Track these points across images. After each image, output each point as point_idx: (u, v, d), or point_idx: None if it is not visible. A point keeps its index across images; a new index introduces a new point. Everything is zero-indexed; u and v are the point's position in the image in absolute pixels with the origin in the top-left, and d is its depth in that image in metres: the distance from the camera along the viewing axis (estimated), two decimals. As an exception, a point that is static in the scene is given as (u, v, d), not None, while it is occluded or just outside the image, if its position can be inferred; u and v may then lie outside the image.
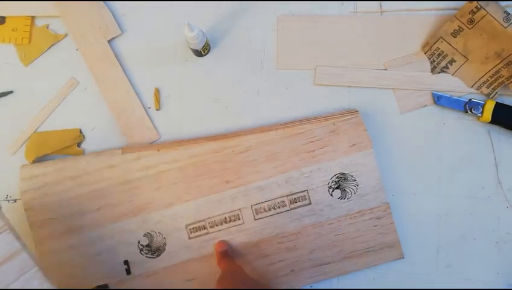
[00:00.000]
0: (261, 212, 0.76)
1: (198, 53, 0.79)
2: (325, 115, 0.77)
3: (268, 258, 0.76)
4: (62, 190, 0.76)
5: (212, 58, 0.81)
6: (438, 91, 0.78)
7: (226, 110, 0.80)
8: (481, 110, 0.76)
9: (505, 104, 0.76)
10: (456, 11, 0.76)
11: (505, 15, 0.73)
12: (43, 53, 0.82)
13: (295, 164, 0.76)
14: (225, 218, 0.76)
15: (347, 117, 0.77)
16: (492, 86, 0.76)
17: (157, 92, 0.80)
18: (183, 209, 0.76)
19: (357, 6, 0.80)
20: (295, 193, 0.76)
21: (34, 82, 0.81)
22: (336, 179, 0.76)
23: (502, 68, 0.75)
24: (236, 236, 0.76)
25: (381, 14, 0.80)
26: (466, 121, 0.78)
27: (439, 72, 0.78)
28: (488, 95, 0.77)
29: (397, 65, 0.78)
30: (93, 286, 0.75)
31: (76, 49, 0.81)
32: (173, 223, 0.76)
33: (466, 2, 0.74)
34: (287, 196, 0.76)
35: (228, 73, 0.81)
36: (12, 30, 0.81)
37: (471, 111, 0.76)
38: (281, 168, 0.76)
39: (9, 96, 0.81)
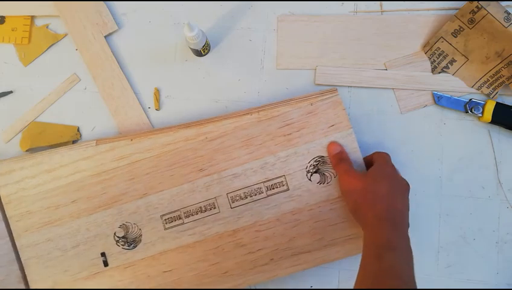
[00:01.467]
0: (237, 200, 0.75)
1: (198, 53, 0.79)
2: (302, 96, 0.75)
3: (247, 248, 0.75)
4: (39, 183, 0.76)
5: (212, 58, 0.81)
6: (438, 91, 0.78)
7: (226, 110, 0.80)
8: (481, 110, 0.76)
9: (505, 104, 0.76)
10: (456, 11, 0.76)
11: (506, 15, 0.73)
12: (42, 53, 0.82)
13: (270, 148, 0.75)
14: (200, 207, 0.75)
15: (325, 97, 0.75)
16: (493, 86, 0.76)
17: (157, 92, 0.80)
18: (157, 200, 0.76)
19: (357, 6, 0.80)
20: (271, 179, 0.75)
21: (33, 82, 0.81)
22: (314, 163, 0.75)
23: (502, 68, 0.75)
24: (213, 225, 0.75)
25: (382, 14, 0.80)
26: (466, 121, 0.79)
27: (439, 72, 0.78)
28: (488, 95, 0.77)
29: (398, 65, 0.79)
30: (71, 278, 0.77)
31: (76, 49, 0.81)
32: (148, 213, 0.76)
33: (467, 1, 0.75)
34: (263, 182, 0.75)
35: (228, 73, 0.81)
36: (12, 30, 0.82)
37: (471, 111, 0.76)
38: (256, 154, 0.75)
39: (9, 96, 0.82)
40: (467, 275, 0.77)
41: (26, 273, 0.76)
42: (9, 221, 0.77)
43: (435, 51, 0.77)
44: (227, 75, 0.81)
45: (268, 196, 0.75)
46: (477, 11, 0.74)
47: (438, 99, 0.77)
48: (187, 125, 0.76)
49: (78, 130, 0.81)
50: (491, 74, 0.76)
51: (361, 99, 0.79)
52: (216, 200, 0.75)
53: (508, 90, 0.77)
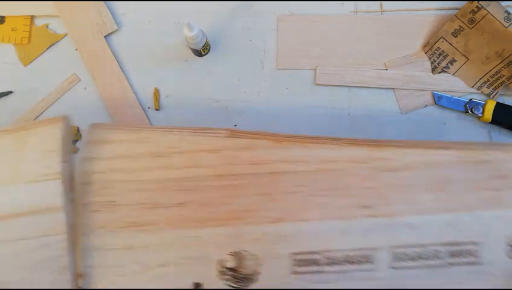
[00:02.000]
0: (403, 260, 0.54)
1: (198, 53, 0.79)
2: None
3: None
4: (138, 168, 0.56)
5: (212, 58, 0.81)
6: (438, 91, 0.78)
7: (226, 110, 0.80)
8: (482, 110, 0.76)
9: (505, 104, 0.76)
10: (456, 11, 0.76)
11: (506, 15, 0.73)
12: (42, 53, 0.82)
13: (469, 202, 0.54)
14: (350, 256, 0.54)
15: None
16: (493, 86, 0.76)
17: (156, 91, 0.81)
18: (294, 231, 0.55)
19: (357, 6, 0.80)
20: (459, 244, 0.54)
21: (33, 82, 0.82)
22: None
23: (502, 68, 0.75)
24: (362, 285, 0.54)
25: (382, 14, 0.80)
26: (467, 122, 0.79)
27: (439, 72, 0.78)
28: (488, 95, 0.77)
29: (398, 65, 0.79)
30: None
31: (76, 49, 0.81)
32: (275, 246, 0.54)
33: (467, 1, 0.75)
34: (446, 245, 0.54)
35: (228, 73, 0.81)
36: (12, 30, 0.82)
37: (471, 111, 0.76)
38: (446, 204, 0.54)
39: (8, 96, 0.82)
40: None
41: (81, 285, 0.54)
42: (81, 208, 0.55)
43: (435, 51, 0.78)
44: (227, 75, 0.81)
45: (448, 264, 0.54)
46: (478, 11, 0.74)
47: (438, 99, 0.77)
48: (355, 142, 0.57)
49: (78, 130, 0.81)
50: (491, 73, 0.76)
51: (362, 99, 0.79)
52: (375, 253, 0.54)
53: (508, 90, 0.77)
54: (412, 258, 0.54)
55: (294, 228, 0.54)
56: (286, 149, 0.56)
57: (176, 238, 0.54)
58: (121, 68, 0.81)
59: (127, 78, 0.81)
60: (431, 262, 0.54)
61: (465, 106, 0.77)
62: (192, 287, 0.54)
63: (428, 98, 0.78)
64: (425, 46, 0.78)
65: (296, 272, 0.54)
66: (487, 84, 0.77)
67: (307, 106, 0.79)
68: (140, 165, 0.56)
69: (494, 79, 0.76)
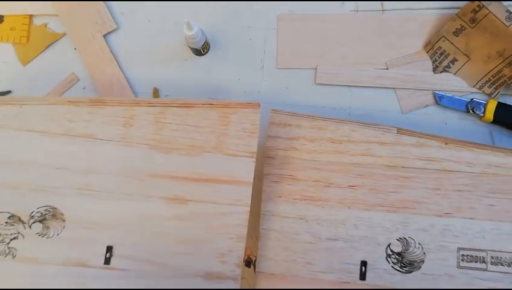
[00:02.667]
0: None
1: (198, 52, 0.79)
2: None
3: None
4: (316, 150, 0.64)
5: (212, 57, 0.81)
6: (439, 91, 0.78)
7: (226, 110, 0.80)
8: (483, 110, 0.76)
9: (506, 104, 0.76)
10: (458, 10, 0.76)
11: (507, 14, 0.73)
12: (41, 52, 0.82)
13: None
14: None
15: None
16: (495, 86, 0.76)
17: (156, 91, 0.80)
18: (462, 227, 0.60)
19: (358, 5, 0.80)
20: None
21: (32, 81, 0.81)
22: None
23: (504, 68, 0.75)
24: None
25: (383, 13, 0.80)
26: (468, 121, 0.78)
27: (441, 72, 0.78)
28: (490, 95, 0.77)
29: (399, 64, 0.78)
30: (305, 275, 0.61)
31: (75, 48, 0.81)
32: (442, 239, 0.60)
33: (468, 1, 0.75)
34: None
35: (228, 72, 0.81)
36: (11, 29, 0.82)
37: (473, 111, 0.76)
38: None
39: (7, 95, 0.81)
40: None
41: (259, 244, 0.62)
42: (264, 178, 0.64)
43: (437, 50, 0.77)
44: (227, 75, 0.81)
45: None
46: (479, 10, 0.74)
47: (440, 99, 0.77)
48: None
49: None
50: (492, 73, 0.76)
51: (363, 98, 0.79)
52: None
53: (509, 89, 0.77)
54: None
55: (462, 224, 0.60)
56: (453, 150, 0.63)
57: (346, 217, 0.62)
58: (120, 67, 0.81)
59: (126, 78, 0.80)
60: None
61: (467, 105, 0.77)
62: (359, 265, 0.61)
63: (429, 97, 0.78)
64: (426, 45, 0.78)
65: (461, 267, 0.60)
66: (488, 83, 0.77)
67: (307, 105, 0.79)
68: (317, 147, 0.64)
69: (495, 79, 0.76)
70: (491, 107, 0.75)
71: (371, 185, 0.63)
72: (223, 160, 0.61)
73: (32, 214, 0.61)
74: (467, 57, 0.77)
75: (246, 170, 0.61)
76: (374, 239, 0.61)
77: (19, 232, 0.61)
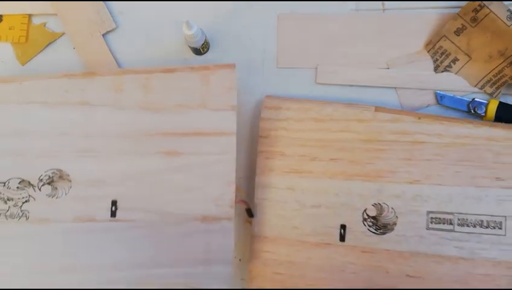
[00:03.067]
0: None
1: (198, 51, 0.79)
2: None
3: None
4: (302, 129, 0.70)
5: (212, 57, 0.81)
6: (441, 90, 0.78)
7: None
8: (484, 109, 0.76)
9: (508, 104, 0.76)
10: (459, 9, 0.76)
11: (509, 13, 0.72)
12: (40, 52, 0.82)
13: None
14: (481, 221, 0.64)
15: None
16: (496, 85, 0.76)
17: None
18: (430, 193, 0.66)
19: (358, 4, 0.80)
20: None
21: (31, 81, 0.81)
22: None
23: (505, 67, 0.75)
24: (490, 248, 0.63)
25: (384, 12, 0.80)
26: (469, 121, 0.79)
27: (442, 71, 0.78)
28: (491, 95, 0.77)
29: (400, 64, 0.78)
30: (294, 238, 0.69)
31: (74, 48, 0.81)
32: (413, 203, 0.66)
33: (469, 0, 0.75)
34: None
35: (228, 72, 0.81)
36: (9, 28, 0.81)
37: (474, 111, 0.76)
38: None
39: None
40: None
41: (254, 212, 0.70)
42: (258, 155, 0.71)
43: (438, 50, 0.77)
44: (227, 74, 0.80)
45: None
46: (480, 9, 0.74)
47: (441, 99, 0.77)
48: (492, 124, 0.68)
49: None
50: (494, 72, 0.76)
51: (363, 98, 0.79)
52: (505, 220, 0.64)
53: (511, 89, 0.77)
54: None
55: (431, 190, 0.66)
56: (425, 124, 0.68)
57: (328, 186, 0.69)
58: (119, 67, 0.81)
59: (125, 77, 0.80)
60: None
61: (468, 105, 0.77)
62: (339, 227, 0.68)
63: (430, 97, 0.78)
64: (427, 44, 0.78)
65: (429, 228, 0.65)
66: (490, 83, 0.76)
67: (307, 105, 0.79)
68: (304, 127, 0.70)
69: (497, 78, 0.76)
70: (493, 106, 0.75)
71: (350, 157, 0.69)
72: (207, 115, 0.68)
73: (41, 178, 0.66)
74: (468, 56, 0.77)
75: (229, 121, 0.68)
76: (352, 205, 0.68)
77: (30, 196, 0.66)
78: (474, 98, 0.77)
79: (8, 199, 0.66)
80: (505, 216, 0.64)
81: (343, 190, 0.68)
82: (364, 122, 0.69)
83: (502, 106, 0.75)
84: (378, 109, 0.70)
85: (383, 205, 0.67)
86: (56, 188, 0.66)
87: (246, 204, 0.72)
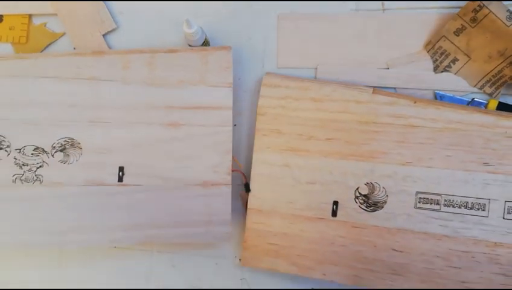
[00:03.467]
0: None
1: (198, 51, 0.79)
2: None
3: (502, 268, 0.68)
4: (300, 108, 0.74)
5: (212, 57, 0.81)
6: (440, 90, 0.78)
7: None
8: (484, 109, 0.76)
9: (507, 104, 0.76)
10: (459, 10, 0.76)
11: (508, 14, 0.73)
12: (40, 52, 0.82)
13: None
14: (467, 203, 0.69)
15: None
16: (495, 86, 0.76)
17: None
18: (420, 174, 0.70)
19: (358, 4, 0.80)
20: None
21: (31, 81, 0.81)
22: None
23: (505, 67, 0.75)
24: (473, 228, 0.68)
25: (383, 12, 0.80)
26: (469, 121, 0.79)
27: (442, 71, 0.78)
28: (491, 95, 0.77)
29: (400, 64, 0.78)
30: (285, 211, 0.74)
31: (74, 48, 0.81)
32: (403, 184, 0.70)
33: (469, 0, 0.75)
34: None
35: (228, 71, 0.81)
36: (10, 29, 0.82)
37: (474, 110, 0.76)
38: None
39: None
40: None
41: (251, 187, 0.74)
42: (256, 132, 0.75)
43: (437, 50, 0.77)
44: (227, 74, 0.81)
45: None
46: (480, 9, 0.74)
47: (441, 99, 0.77)
48: (484, 111, 0.71)
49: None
50: (493, 73, 0.76)
51: (363, 98, 0.79)
52: (489, 202, 0.68)
53: (510, 89, 0.77)
54: None
55: (421, 171, 0.70)
56: (421, 109, 0.71)
57: (323, 165, 0.72)
58: (117, 65, 0.81)
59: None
60: None
61: (468, 105, 0.77)
62: (332, 203, 0.72)
63: (430, 97, 0.78)
64: (427, 45, 0.78)
65: (417, 207, 0.70)
66: (489, 83, 0.77)
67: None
68: (302, 106, 0.73)
69: (496, 78, 0.76)
70: (492, 106, 0.76)
71: (346, 138, 0.72)
72: (206, 91, 0.74)
73: (54, 145, 0.72)
74: (468, 56, 0.77)
75: (226, 97, 0.74)
76: (345, 183, 0.72)
77: (43, 161, 0.72)
78: (473, 98, 0.77)
79: (23, 164, 0.71)
80: (489, 199, 0.68)
81: (337, 169, 0.72)
82: (361, 104, 0.72)
83: (501, 106, 0.76)
84: (375, 91, 0.73)
85: (375, 184, 0.71)
86: (68, 155, 0.72)
87: (243, 176, 0.76)
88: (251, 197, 0.74)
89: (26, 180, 0.72)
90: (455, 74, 0.78)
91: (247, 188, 0.75)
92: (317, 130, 0.73)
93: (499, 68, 0.76)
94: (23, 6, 0.82)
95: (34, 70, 0.73)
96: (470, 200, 0.69)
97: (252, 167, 0.74)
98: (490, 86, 0.77)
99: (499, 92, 0.76)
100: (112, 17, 0.81)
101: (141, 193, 0.73)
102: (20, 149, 0.72)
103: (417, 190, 0.70)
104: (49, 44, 0.82)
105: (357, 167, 0.72)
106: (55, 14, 0.81)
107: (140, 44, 0.82)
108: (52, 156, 0.72)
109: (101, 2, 0.81)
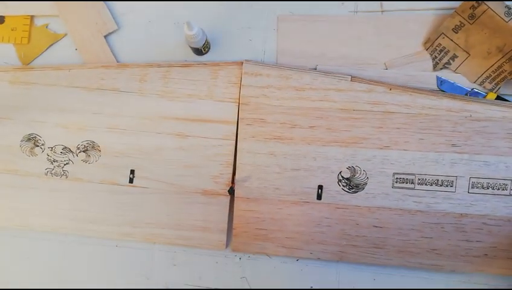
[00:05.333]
0: (477, 187, 0.75)
1: (199, 52, 0.80)
2: None
3: (466, 235, 0.75)
4: (283, 97, 0.77)
5: (212, 57, 0.82)
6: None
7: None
8: (482, 100, 0.76)
9: (505, 99, 0.77)
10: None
11: (506, 9, 0.73)
12: (42, 53, 0.83)
13: None
14: (437, 180, 0.75)
15: None
16: (495, 81, 0.76)
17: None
18: (397, 157, 0.76)
19: (357, 5, 0.81)
20: None
21: (32, 82, 0.82)
22: None
23: (504, 63, 0.75)
24: (442, 202, 0.75)
25: (382, 14, 0.80)
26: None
27: (441, 68, 0.78)
28: (491, 90, 0.77)
29: (398, 65, 0.79)
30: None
31: (76, 49, 0.82)
32: (382, 166, 0.76)
33: (467, 0, 0.75)
34: (511, 180, 0.74)
35: (228, 72, 0.81)
36: (12, 30, 0.82)
37: (472, 102, 0.77)
38: None
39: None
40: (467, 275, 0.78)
41: (236, 177, 0.78)
42: (239, 121, 0.78)
43: (436, 47, 0.78)
44: (228, 74, 0.81)
45: (510, 195, 0.75)
46: (478, 6, 0.74)
47: (441, 84, 0.77)
48: (452, 96, 0.76)
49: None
50: (493, 69, 0.76)
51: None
52: (456, 179, 0.75)
53: (510, 85, 0.77)
54: (485, 187, 0.74)
55: (398, 154, 0.76)
56: (396, 95, 0.76)
57: (307, 152, 0.77)
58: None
59: (126, 77, 0.80)
60: (498, 192, 0.74)
61: (466, 94, 0.77)
62: (316, 188, 0.76)
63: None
64: (426, 42, 0.78)
65: (394, 187, 0.75)
66: (489, 79, 0.77)
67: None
68: (284, 95, 0.77)
69: (496, 74, 0.76)
70: (491, 98, 0.77)
71: (327, 125, 0.77)
72: (213, 105, 0.79)
73: (78, 146, 0.80)
74: (467, 53, 0.77)
75: (231, 112, 0.78)
76: (328, 168, 0.77)
77: (69, 159, 0.80)
78: (473, 89, 0.78)
79: (54, 161, 0.81)
80: (456, 176, 0.75)
81: (320, 155, 0.77)
82: (341, 92, 0.76)
83: (499, 99, 0.76)
84: (353, 79, 0.77)
85: (356, 168, 0.76)
86: (89, 155, 0.80)
87: (232, 181, 0.78)
88: (238, 185, 0.77)
89: (56, 174, 0.81)
90: (455, 70, 0.78)
91: (231, 191, 0.77)
92: (300, 119, 0.77)
93: (498, 64, 0.76)
94: (25, 7, 0.82)
95: (67, 81, 0.81)
96: (440, 178, 0.75)
97: (238, 157, 0.78)
98: (490, 82, 0.77)
99: (499, 88, 0.76)
100: (114, 19, 0.82)
101: (148, 195, 0.79)
102: (52, 147, 0.81)
103: (394, 171, 0.76)
104: (51, 45, 0.82)
105: (339, 152, 0.76)
106: (57, 16, 0.82)
107: (141, 44, 0.82)
108: (77, 155, 0.80)
109: (102, 2, 0.81)
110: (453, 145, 0.75)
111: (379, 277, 0.77)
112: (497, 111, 0.74)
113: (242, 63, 0.78)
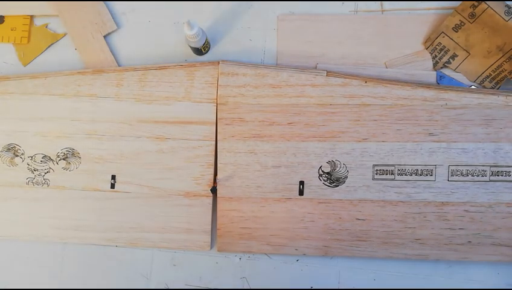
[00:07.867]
0: (456, 175, 0.75)
1: (199, 51, 0.80)
2: None
3: (449, 223, 0.76)
4: (260, 95, 0.78)
5: (213, 58, 0.82)
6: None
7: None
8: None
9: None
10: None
11: (506, 8, 0.74)
12: (42, 53, 0.83)
13: (510, 136, 0.75)
14: (417, 170, 0.76)
15: None
16: (495, 80, 0.77)
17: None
18: (376, 149, 0.76)
19: (357, 5, 0.81)
20: (500, 166, 0.75)
21: (32, 82, 0.82)
22: None
23: (504, 62, 0.76)
24: (423, 191, 0.76)
25: (382, 13, 0.80)
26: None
27: (441, 68, 0.79)
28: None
29: (398, 64, 0.79)
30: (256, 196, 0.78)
31: (75, 49, 0.82)
32: (361, 159, 0.76)
33: (467, 0, 0.75)
34: (490, 166, 0.75)
35: (228, 72, 0.81)
36: (11, 29, 0.83)
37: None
38: (493, 136, 0.75)
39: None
40: (467, 275, 0.77)
41: (217, 177, 0.78)
42: (218, 121, 0.78)
43: (436, 46, 0.78)
44: (228, 74, 0.80)
45: (490, 181, 0.75)
46: (478, 5, 0.74)
47: (440, 79, 0.78)
48: (426, 86, 0.76)
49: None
50: (493, 68, 0.76)
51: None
52: (435, 168, 0.75)
53: (510, 84, 0.77)
54: (464, 174, 0.75)
55: (376, 146, 0.76)
56: (371, 88, 0.76)
57: (286, 148, 0.77)
58: (117, 64, 0.82)
59: (127, 78, 0.80)
60: (477, 178, 0.75)
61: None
62: (298, 184, 0.76)
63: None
64: (426, 41, 0.78)
65: (375, 179, 0.76)
66: (489, 78, 0.77)
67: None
68: (261, 93, 0.78)
69: (496, 73, 0.76)
70: (491, 95, 0.77)
71: (305, 121, 0.77)
72: (191, 106, 0.79)
73: (58, 154, 0.80)
74: (467, 52, 0.77)
75: (209, 112, 0.78)
76: (308, 163, 0.77)
77: (50, 168, 0.80)
78: (471, 85, 0.78)
79: (34, 169, 0.80)
80: (435, 165, 0.75)
81: (300, 150, 0.77)
82: (317, 87, 0.77)
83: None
84: (329, 73, 0.77)
85: (336, 162, 0.76)
86: (69, 163, 0.80)
87: (214, 181, 0.78)
88: (220, 186, 0.78)
89: (37, 183, 0.80)
90: (455, 69, 0.78)
91: (213, 190, 0.78)
92: (278, 116, 0.77)
93: (498, 63, 0.76)
94: (24, 7, 0.83)
95: (43, 88, 0.80)
96: (419, 168, 0.76)
97: (218, 157, 0.78)
98: (490, 81, 0.77)
99: (499, 87, 0.77)
100: (114, 19, 0.83)
101: (130, 199, 0.79)
102: (32, 157, 0.80)
103: (374, 163, 0.76)
104: (51, 45, 0.82)
105: (318, 147, 0.77)
106: (57, 15, 0.83)
107: (140, 44, 0.83)
108: (57, 163, 0.80)
109: (102, 2, 0.81)
110: (431, 134, 0.75)
111: (379, 277, 0.77)
112: (472, 98, 0.75)
113: (218, 63, 0.79)
